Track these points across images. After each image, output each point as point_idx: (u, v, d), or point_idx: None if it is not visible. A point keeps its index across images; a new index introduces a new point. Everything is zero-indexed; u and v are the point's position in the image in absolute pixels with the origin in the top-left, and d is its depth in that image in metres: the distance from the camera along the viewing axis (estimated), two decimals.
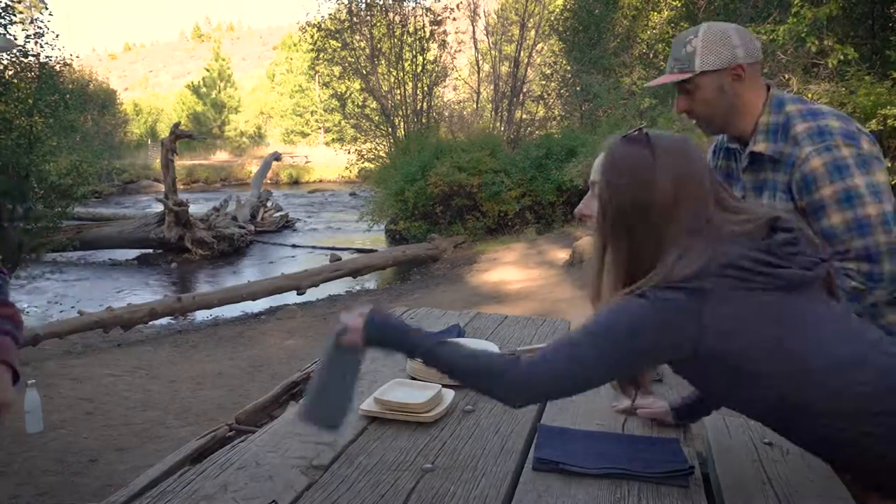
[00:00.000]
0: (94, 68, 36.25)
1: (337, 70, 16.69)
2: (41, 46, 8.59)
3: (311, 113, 37.68)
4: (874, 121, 8.28)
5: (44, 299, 8.54)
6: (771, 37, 9.79)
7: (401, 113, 15.99)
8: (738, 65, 1.49)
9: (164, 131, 24.65)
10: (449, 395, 1.58)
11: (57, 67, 8.77)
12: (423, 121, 15.98)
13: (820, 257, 1.11)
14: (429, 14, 15.93)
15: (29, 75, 8.22)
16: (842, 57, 8.96)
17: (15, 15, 8.04)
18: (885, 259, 1.38)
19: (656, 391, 1.69)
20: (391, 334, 1.18)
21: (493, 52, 17.43)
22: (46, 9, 9.02)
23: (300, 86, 39.15)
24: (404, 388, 1.60)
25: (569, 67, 16.64)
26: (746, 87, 1.52)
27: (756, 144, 1.54)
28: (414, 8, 16.08)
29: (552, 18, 17.00)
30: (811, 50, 9.34)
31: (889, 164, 8.73)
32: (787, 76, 9.60)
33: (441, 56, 16.41)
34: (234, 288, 7.88)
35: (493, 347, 1.82)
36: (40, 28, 8.58)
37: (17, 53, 8.08)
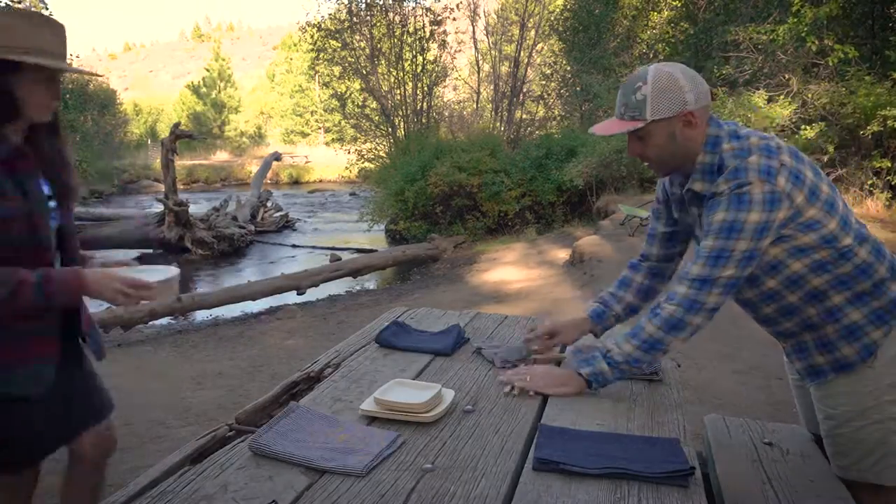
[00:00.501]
0: (93, 68, 36.24)
1: (337, 70, 16.69)
2: None
3: (311, 113, 37.70)
4: (874, 122, 8.27)
5: None
6: (771, 37, 9.78)
7: (401, 113, 15.99)
8: (688, 112, 1.50)
9: (164, 131, 24.67)
10: (449, 394, 1.58)
11: None
12: (423, 121, 15.98)
13: None
14: (429, 14, 15.93)
15: None
16: (842, 56, 8.95)
17: None
18: (683, 285, 1.52)
19: (656, 390, 1.69)
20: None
21: (493, 52, 17.44)
22: (46, 9, 9.05)
23: (300, 86, 39.18)
24: (404, 388, 1.60)
25: (569, 67, 16.65)
26: (696, 132, 1.53)
27: (693, 183, 1.57)
28: (414, 8, 16.10)
29: (552, 18, 17.00)
30: (811, 50, 9.33)
31: (889, 164, 8.75)
32: (787, 76, 9.59)
33: (441, 56, 16.41)
34: (234, 288, 7.88)
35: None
36: None
37: None
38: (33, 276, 1.46)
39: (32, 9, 9.32)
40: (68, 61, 1.64)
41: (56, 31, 1.56)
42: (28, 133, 1.57)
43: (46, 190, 1.58)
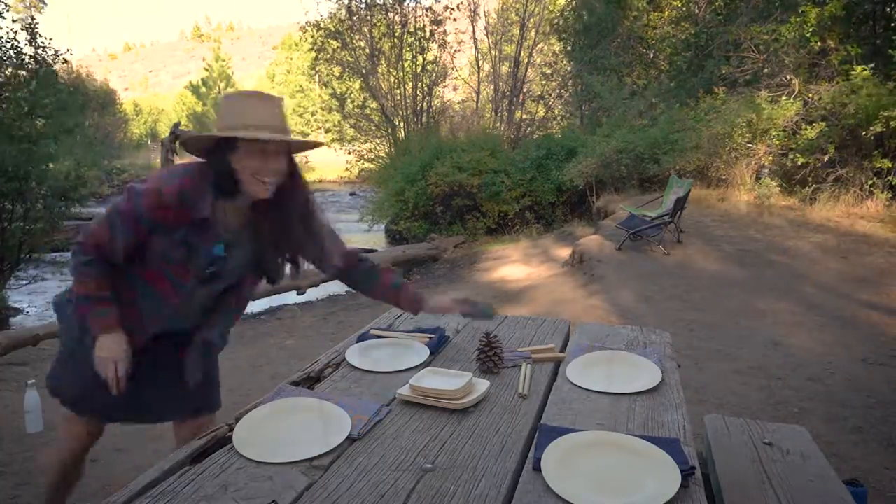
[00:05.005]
0: (90, 67, 36.22)
1: (337, 70, 16.70)
2: (41, 47, 8.58)
3: (312, 113, 37.70)
4: (878, 122, 8.27)
5: (44, 299, 8.55)
6: (773, 37, 9.79)
7: (401, 113, 16.01)
8: None
9: (164, 131, 24.67)
10: (482, 385, 1.63)
11: (55, 67, 8.76)
12: (423, 121, 15.99)
13: None
14: (429, 14, 15.94)
15: (24, 74, 8.21)
16: (845, 54, 8.96)
17: (7, 10, 8.07)
18: None
19: (656, 390, 1.69)
20: None
21: (493, 52, 17.44)
22: (45, 5, 9.04)
23: (300, 86, 39.25)
24: (437, 376, 1.66)
25: (569, 68, 16.65)
26: None
27: None
28: (414, 8, 16.13)
29: (553, 18, 17.01)
30: (814, 49, 9.34)
31: (889, 165, 8.74)
32: (789, 76, 9.59)
33: (441, 56, 16.42)
34: None
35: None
36: (37, 28, 8.57)
37: (14, 56, 8.11)
38: (91, 305, 1.70)
39: (32, 8, 9.31)
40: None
41: (267, 105, 1.61)
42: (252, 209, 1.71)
43: (217, 251, 1.72)
